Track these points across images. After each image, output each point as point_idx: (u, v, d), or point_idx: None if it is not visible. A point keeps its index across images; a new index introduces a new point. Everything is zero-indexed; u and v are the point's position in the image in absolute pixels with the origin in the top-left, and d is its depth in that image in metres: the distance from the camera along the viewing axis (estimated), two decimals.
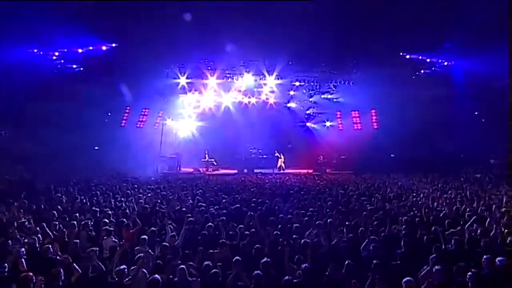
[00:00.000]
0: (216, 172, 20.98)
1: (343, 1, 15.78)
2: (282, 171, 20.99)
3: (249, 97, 22.72)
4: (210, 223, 7.77)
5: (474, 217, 7.60)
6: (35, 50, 17.14)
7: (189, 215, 8.46)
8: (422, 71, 20.03)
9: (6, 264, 5.52)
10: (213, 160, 21.66)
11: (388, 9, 15.63)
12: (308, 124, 24.89)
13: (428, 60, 19.31)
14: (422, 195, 11.47)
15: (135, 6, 15.56)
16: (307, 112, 24.57)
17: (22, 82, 17.97)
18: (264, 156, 22.53)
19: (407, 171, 17.96)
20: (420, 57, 19.14)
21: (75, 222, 7.91)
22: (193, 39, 17.14)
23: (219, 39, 17.14)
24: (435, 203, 9.93)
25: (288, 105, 24.02)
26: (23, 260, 5.68)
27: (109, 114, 22.03)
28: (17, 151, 17.83)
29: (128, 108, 21.60)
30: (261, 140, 23.07)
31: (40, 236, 6.99)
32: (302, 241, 6.50)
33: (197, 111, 23.17)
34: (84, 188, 12.35)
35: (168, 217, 8.50)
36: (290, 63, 18.81)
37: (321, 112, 24.23)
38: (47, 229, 7.33)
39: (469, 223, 7.41)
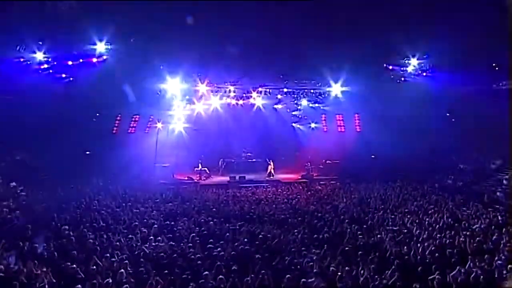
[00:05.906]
0: (209, 180, 21.49)
1: (331, 18, 16.26)
2: (272, 178, 21.86)
3: (237, 100, 22.94)
4: (222, 276, 8.34)
5: (458, 267, 8.66)
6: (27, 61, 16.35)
7: (201, 263, 9.11)
8: (403, 79, 20.97)
9: None
10: (205, 169, 22.03)
11: (374, 25, 16.44)
12: (294, 124, 25.61)
13: (408, 70, 20.17)
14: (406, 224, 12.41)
15: (126, 17, 15.25)
16: (293, 113, 25.16)
17: (8, 91, 17.29)
18: (254, 160, 23.22)
19: (387, 176, 19.28)
20: (402, 68, 19.98)
21: (95, 282, 8.30)
22: (184, 50, 17.07)
23: (209, 52, 17.19)
24: (420, 237, 11.01)
25: (276, 106, 24.48)
26: None
27: (98, 114, 21.70)
28: (7, 163, 17.38)
29: (119, 116, 21.39)
30: (250, 142, 23.68)
31: None
32: None
33: (187, 112, 23.19)
34: (88, 216, 12.31)
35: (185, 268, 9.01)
36: (281, 76, 19.13)
37: (307, 115, 24.94)
38: None
39: (454, 272, 8.51)
